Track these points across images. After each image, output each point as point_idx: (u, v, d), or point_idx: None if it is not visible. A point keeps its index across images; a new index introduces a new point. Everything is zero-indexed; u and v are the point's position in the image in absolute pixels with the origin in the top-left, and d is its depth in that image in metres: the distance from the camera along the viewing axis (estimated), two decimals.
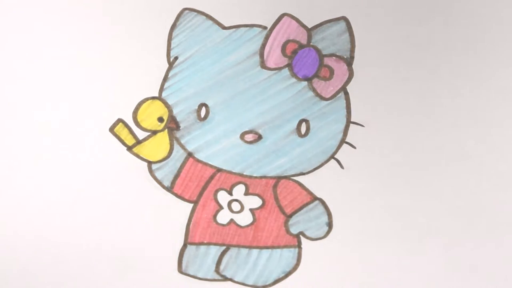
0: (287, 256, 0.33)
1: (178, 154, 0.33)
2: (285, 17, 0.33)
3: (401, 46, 0.33)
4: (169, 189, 0.33)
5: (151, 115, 0.33)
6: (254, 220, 0.33)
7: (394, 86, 0.33)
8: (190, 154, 0.33)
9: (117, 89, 0.33)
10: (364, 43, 0.33)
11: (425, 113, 0.33)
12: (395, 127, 0.33)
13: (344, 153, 0.33)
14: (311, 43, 0.33)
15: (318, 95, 0.33)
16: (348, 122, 0.33)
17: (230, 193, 0.33)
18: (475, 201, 0.33)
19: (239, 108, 0.33)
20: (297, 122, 0.33)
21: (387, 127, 0.33)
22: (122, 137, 0.33)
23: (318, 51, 0.33)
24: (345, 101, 0.33)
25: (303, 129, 0.33)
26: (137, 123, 0.33)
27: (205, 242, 0.33)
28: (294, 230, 0.33)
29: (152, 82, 0.33)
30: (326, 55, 0.33)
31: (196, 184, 0.33)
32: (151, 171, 0.33)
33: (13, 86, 0.33)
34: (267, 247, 0.33)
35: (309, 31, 0.33)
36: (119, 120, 0.33)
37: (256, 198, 0.33)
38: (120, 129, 0.33)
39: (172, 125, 0.33)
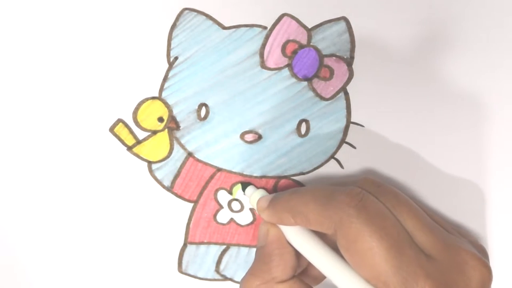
0: None
1: (178, 154, 0.33)
2: (285, 17, 0.33)
3: (401, 46, 0.33)
4: (169, 189, 0.33)
5: (151, 115, 0.33)
6: (254, 219, 0.33)
7: (394, 86, 0.33)
8: (190, 154, 0.33)
9: (117, 89, 0.33)
10: (364, 43, 0.33)
11: (425, 113, 0.33)
12: (395, 127, 0.33)
13: (344, 153, 0.33)
14: (311, 43, 0.33)
15: (318, 95, 0.33)
16: (348, 122, 0.33)
17: (230, 193, 0.33)
18: (475, 201, 0.33)
19: (239, 108, 0.33)
20: (297, 122, 0.33)
21: (387, 127, 0.33)
22: (122, 137, 0.33)
23: (318, 51, 0.33)
24: (345, 101, 0.33)
25: (303, 129, 0.33)
26: (137, 123, 0.33)
27: (205, 241, 0.33)
28: None
29: (152, 82, 0.33)
30: (326, 55, 0.33)
31: (196, 184, 0.33)
32: (151, 171, 0.33)
33: (13, 86, 0.33)
34: None
35: (309, 31, 0.33)
36: (119, 120, 0.33)
37: None
38: (120, 129, 0.33)
39: (172, 125, 0.33)
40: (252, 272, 0.28)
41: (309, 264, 0.29)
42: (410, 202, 0.27)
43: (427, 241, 0.25)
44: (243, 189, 0.32)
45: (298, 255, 0.28)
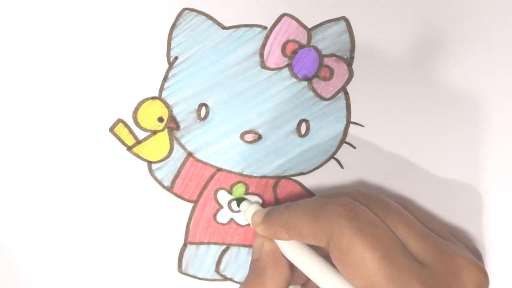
0: None
1: (178, 154, 0.33)
2: (285, 17, 0.33)
3: (401, 46, 0.33)
4: (169, 189, 0.33)
5: (151, 115, 0.33)
6: None
7: (394, 86, 0.33)
8: (190, 154, 0.33)
9: (117, 89, 0.33)
10: (364, 43, 0.33)
11: (424, 113, 0.33)
12: (395, 127, 0.33)
13: (344, 153, 0.33)
14: (311, 43, 0.33)
15: (318, 95, 0.33)
16: (348, 122, 0.33)
17: (230, 193, 0.33)
18: (475, 201, 0.33)
19: (239, 108, 0.33)
20: (297, 122, 0.33)
21: (387, 127, 0.33)
22: (122, 137, 0.33)
23: (318, 51, 0.33)
24: (345, 101, 0.33)
25: (303, 129, 0.33)
26: (137, 123, 0.33)
27: (205, 241, 0.33)
28: None
29: (152, 82, 0.33)
30: (326, 55, 0.33)
31: (196, 184, 0.33)
32: (151, 171, 0.33)
33: (13, 86, 0.33)
34: None
35: (309, 31, 0.33)
36: (119, 120, 0.33)
37: (256, 198, 0.33)
38: (120, 129, 0.33)
39: (172, 125, 0.33)
40: (246, 285, 0.28)
41: (308, 278, 0.29)
42: (401, 211, 0.27)
43: (420, 248, 0.25)
44: (238, 204, 0.32)
45: (292, 268, 0.28)
